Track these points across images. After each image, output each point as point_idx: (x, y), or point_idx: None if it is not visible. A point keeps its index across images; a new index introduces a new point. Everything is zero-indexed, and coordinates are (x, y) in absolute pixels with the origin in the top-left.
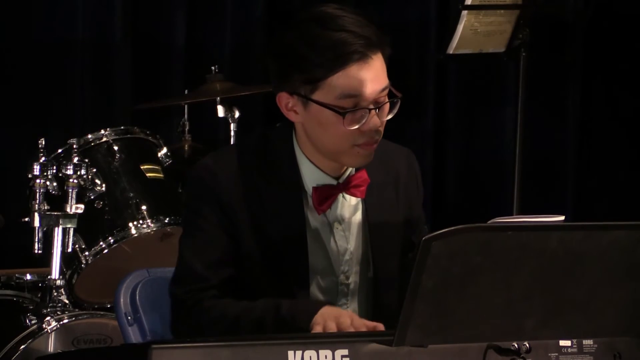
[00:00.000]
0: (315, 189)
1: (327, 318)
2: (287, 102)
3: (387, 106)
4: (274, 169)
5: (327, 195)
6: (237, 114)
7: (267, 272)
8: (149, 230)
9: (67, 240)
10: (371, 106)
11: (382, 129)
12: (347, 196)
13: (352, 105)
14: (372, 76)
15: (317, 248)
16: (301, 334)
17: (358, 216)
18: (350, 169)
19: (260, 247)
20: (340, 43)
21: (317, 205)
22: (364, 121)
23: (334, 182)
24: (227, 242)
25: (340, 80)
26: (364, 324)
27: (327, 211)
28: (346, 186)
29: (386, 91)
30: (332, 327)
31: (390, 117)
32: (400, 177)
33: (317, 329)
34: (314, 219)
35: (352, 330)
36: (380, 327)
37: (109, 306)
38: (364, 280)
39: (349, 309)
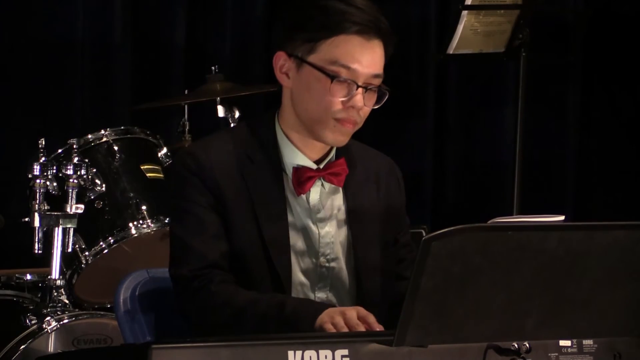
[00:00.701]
0: (295, 169)
1: (333, 314)
2: (282, 64)
3: (374, 95)
4: (256, 150)
5: (305, 178)
6: (237, 114)
7: (250, 249)
8: (149, 230)
9: (67, 240)
10: (360, 83)
11: (363, 116)
12: (326, 185)
13: (342, 75)
14: (368, 56)
15: (298, 229)
16: (301, 334)
17: (339, 204)
18: (330, 156)
19: (243, 225)
20: (349, 13)
21: (295, 186)
22: (349, 96)
23: (314, 166)
24: (217, 219)
25: (338, 46)
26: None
27: (307, 194)
28: (325, 172)
29: (379, 80)
30: (340, 322)
31: (376, 107)
32: (380, 178)
33: (327, 327)
34: (295, 201)
35: (359, 322)
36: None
37: (109, 306)
38: (348, 267)
39: (329, 293)
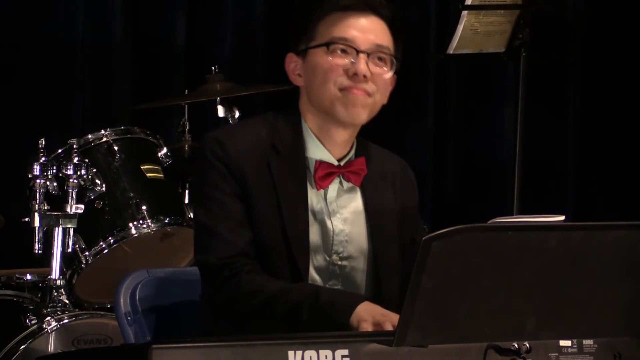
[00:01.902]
0: (318, 162)
1: (374, 314)
2: (293, 67)
3: (383, 66)
4: (283, 141)
5: (327, 173)
6: (237, 114)
7: (271, 238)
8: (149, 230)
9: (67, 240)
10: (360, 49)
11: (376, 85)
12: (344, 183)
13: (340, 44)
14: (364, 27)
15: (314, 223)
16: (301, 334)
17: (357, 204)
18: (351, 154)
19: (265, 214)
20: None
21: (317, 180)
22: (351, 65)
23: (335, 163)
24: (241, 206)
25: (332, 24)
26: None
27: (325, 189)
28: (345, 169)
29: (385, 51)
30: (385, 325)
31: (386, 76)
32: (395, 179)
33: (365, 325)
34: (314, 195)
35: None
36: None
37: (109, 306)
38: (367, 267)
39: None
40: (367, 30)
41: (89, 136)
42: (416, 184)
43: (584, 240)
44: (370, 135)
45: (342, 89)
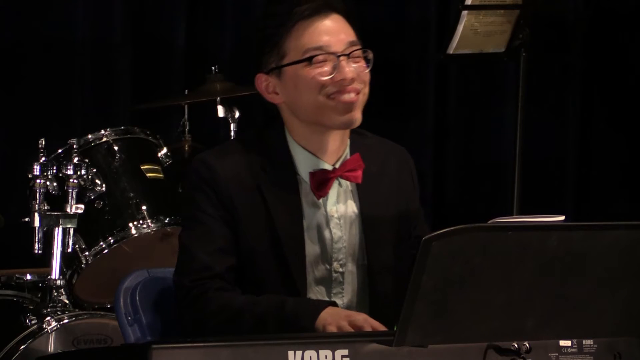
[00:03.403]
0: (311, 174)
1: (338, 318)
2: (266, 85)
3: (361, 61)
4: (269, 159)
5: (323, 180)
6: (237, 114)
7: (265, 261)
8: (149, 230)
9: (67, 240)
10: (339, 53)
11: (362, 81)
12: (344, 184)
13: (318, 54)
14: (332, 28)
15: (311, 236)
16: (301, 334)
17: (353, 206)
18: (344, 154)
19: (258, 237)
20: (294, 3)
21: (314, 190)
22: (335, 71)
23: (330, 167)
24: (227, 232)
25: (300, 36)
26: (381, 325)
27: (323, 198)
28: (342, 170)
29: (357, 46)
30: (347, 327)
31: (367, 70)
32: (394, 171)
33: (331, 328)
34: (309, 207)
35: (367, 324)
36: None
37: (109, 306)
38: (359, 269)
39: (345, 298)
40: (336, 31)
41: (89, 136)
42: (415, 173)
43: (584, 240)
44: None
45: (332, 97)
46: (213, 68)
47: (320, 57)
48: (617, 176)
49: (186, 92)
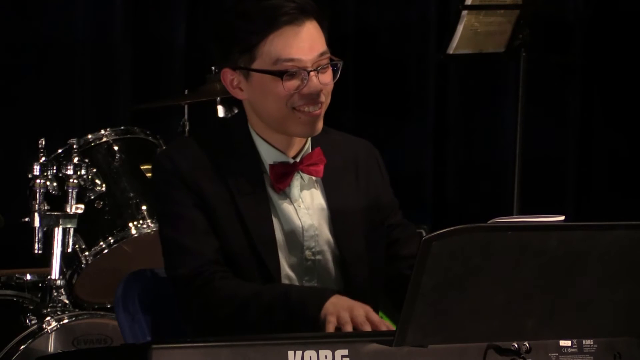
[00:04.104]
0: (272, 166)
1: (340, 308)
2: (231, 80)
3: (329, 71)
4: (233, 150)
5: (283, 172)
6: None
7: (238, 248)
8: (149, 230)
9: (67, 240)
10: (309, 68)
11: (325, 94)
12: (305, 176)
13: (290, 69)
14: (306, 40)
15: (281, 224)
16: (301, 334)
17: (319, 197)
18: (306, 147)
19: (228, 225)
20: (270, 8)
21: (275, 183)
22: (304, 84)
23: (291, 161)
24: (203, 216)
25: (274, 44)
26: (381, 322)
27: (286, 189)
28: (302, 164)
29: (326, 56)
30: (346, 318)
31: (332, 81)
32: (359, 164)
33: (331, 319)
34: (276, 196)
35: (366, 322)
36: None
37: (109, 306)
38: (333, 259)
39: (317, 285)
40: (308, 41)
41: (89, 136)
42: (383, 164)
43: (584, 240)
44: (370, 135)
45: (296, 109)
46: (213, 68)
47: (290, 71)
48: (617, 176)
49: (186, 92)
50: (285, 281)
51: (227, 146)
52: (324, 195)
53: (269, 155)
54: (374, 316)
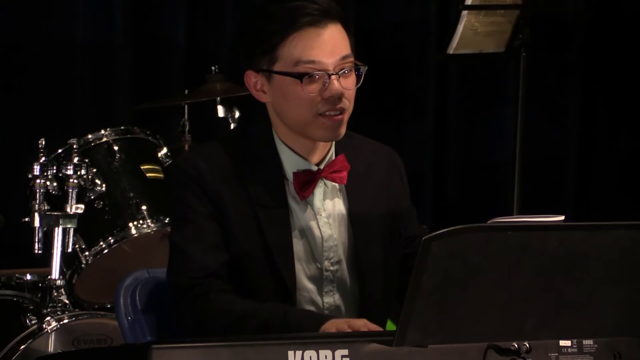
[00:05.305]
0: (295, 174)
1: (337, 323)
2: (255, 82)
3: (352, 76)
4: (256, 157)
5: (307, 180)
6: (237, 114)
7: (254, 259)
8: (149, 230)
9: (67, 240)
10: (331, 71)
11: (348, 99)
12: (329, 184)
13: (310, 71)
14: (328, 42)
15: (300, 235)
16: (301, 334)
17: (341, 205)
18: (330, 154)
19: (246, 235)
20: (294, 9)
21: (298, 191)
22: (325, 87)
23: (314, 168)
24: (218, 228)
25: (294, 45)
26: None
27: (309, 197)
28: (326, 172)
29: (349, 60)
30: (345, 327)
31: (355, 87)
32: (381, 172)
33: (330, 331)
34: (297, 206)
35: (365, 328)
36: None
37: (109, 306)
38: (350, 268)
39: (335, 297)
40: (331, 44)
41: (89, 136)
42: (405, 174)
43: (584, 240)
44: (370, 135)
45: (319, 115)
46: (213, 68)
47: (311, 73)
48: (617, 176)
49: (186, 92)
50: (303, 294)
51: (249, 153)
52: (346, 201)
53: (292, 162)
54: (373, 326)
